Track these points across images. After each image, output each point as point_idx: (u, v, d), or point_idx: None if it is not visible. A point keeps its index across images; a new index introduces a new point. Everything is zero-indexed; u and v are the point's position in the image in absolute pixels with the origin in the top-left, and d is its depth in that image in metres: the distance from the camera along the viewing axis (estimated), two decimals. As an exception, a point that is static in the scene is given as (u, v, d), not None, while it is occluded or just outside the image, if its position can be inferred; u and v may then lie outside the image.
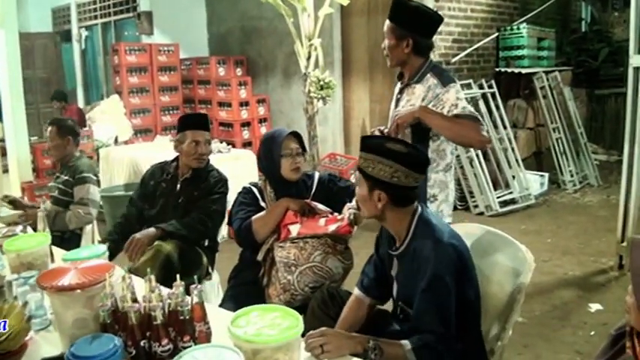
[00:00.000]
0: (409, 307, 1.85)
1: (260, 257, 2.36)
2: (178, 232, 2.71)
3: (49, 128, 3.52)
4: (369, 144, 1.86)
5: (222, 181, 2.96)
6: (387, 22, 2.48)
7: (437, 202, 2.46)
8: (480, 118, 2.36)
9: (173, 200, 2.94)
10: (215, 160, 3.69)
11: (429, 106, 2.36)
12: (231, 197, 2.83)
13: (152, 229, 2.70)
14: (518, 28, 6.76)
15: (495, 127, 6.19)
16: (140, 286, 1.66)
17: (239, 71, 7.73)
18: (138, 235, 2.66)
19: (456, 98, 2.33)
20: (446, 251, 1.76)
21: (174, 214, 2.86)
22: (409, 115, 2.33)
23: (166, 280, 1.64)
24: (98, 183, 3.49)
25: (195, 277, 1.71)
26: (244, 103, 7.38)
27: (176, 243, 2.66)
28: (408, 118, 2.33)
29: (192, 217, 2.80)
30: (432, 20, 2.48)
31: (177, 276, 1.56)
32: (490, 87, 6.34)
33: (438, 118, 2.30)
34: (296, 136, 2.51)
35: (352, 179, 6.24)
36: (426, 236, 1.80)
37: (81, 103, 9.56)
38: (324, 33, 6.17)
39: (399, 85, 2.60)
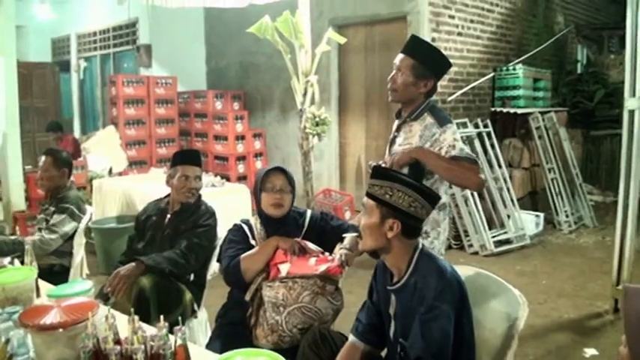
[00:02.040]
0: None
1: (248, 297, 2.33)
2: (159, 266, 2.68)
3: (43, 158, 3.49)
4: (386, 172, 1.88)
5: (209, 214, 2.97)
6: (404, 56, 2.47)
7: (429, 239, 2.46)
8: (478, 160, 2.38)
9: (160, 233, 2.95)
10: (208, 194, 3.69)
11: (426, 145, 2.38)
12: (222, 233, 2.82)
13: (133, 264, 2.65)
14: (514, 69, 6.86)
15: (490, 166, 6.22)
16: (123, 323, 1.62)
17: (236, 105, 7.79)
18: (122, 270, 2.62)
19: (453, 139, 2.36)
20: (450, 283, 1.77)
21: (161, 248, 2.85)
22: (405, 155, 2.34)
23: (139, 315, 1.60)
24: (79, 219, 3.42)
25: (180, 317, 1.67)
26: (240, 137, 7.42)
27: (153, 277, 2.62)
28: (404, 158, 2.34)
29: (173, 251, 2.78)
30: (447, 63, 2.52)
31: (162, 317, 1.53)
32: (486, 126, 6.40)
33: (436, 159, 2.32)
34: (283, 172, 2.51)
35: (347, 216, 6.24)
36: (429, 269, 1.81)
37: (77, 133, 9.59)
38: (322, 70, 6.24)
39: (396, 123, 2.62)
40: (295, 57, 5.49)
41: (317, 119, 5.42)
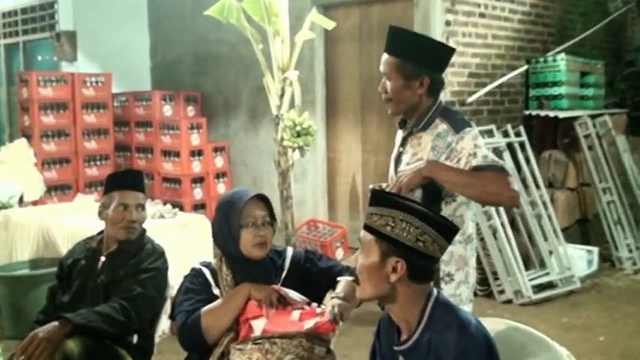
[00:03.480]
0: None
1: (211, 364, 2.34)
2: (90, 325, 2.67)
3: None
4: (386, 198, 1.92)
5: (157, 254, 2.99)
6: (387, 57, 2.57)
7: (454, 284, 2.49)
8: (506, 167, 2.42)
9: (92, 282, 2.94)
10: (155, 228, 3.70)
11: (441, 159, 2.43)
12: (175, 280, 2.82)
13: (56, 323, 2.63)
14: (554, 60, 6.96)
15: (526, 187, 6.26)
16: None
17: (191, 110, 7.82)
18: (41, 332, 2.59)
19: (473, 146, 2.41)
20: (475, 340, 1.79)
21: (93, 301, 2.85)
22: (415, 174, 2.37)
23: None
24: None
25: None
26: (197, 153, 7.43)
27: (83, 340, 2.61)
28: (414, 178, 2.36)
29: (109, 304, 2.78)
30: (445, 50, 2.63)
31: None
32: (518, 135, 6.47)
33: (453, 174, 2.36)
34: (263, 200, 2.54)
35: (339, 255, 6.25)
36: (447, 322, 1.84)
37: (-26, 150, 9.54)
38: (303, 64, 6.30)
39: (400, 134, 2.67)
40: (269, 47, 5.54)
41: (298, 128, 5.47)
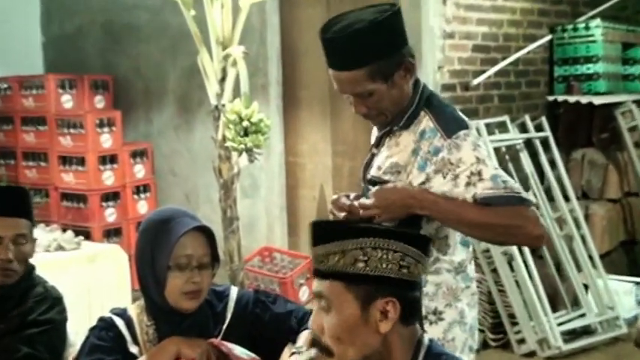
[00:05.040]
0: None
1: None
2: None
3: None
4: (340, 226, 1.94)
5: (50, 301, 2.99)
6: (347, 74, 2.50)
7: (443, 324, 2.53)
8: (527, 195, 2.43)
9: None
10: (50, 265, 3.68)
11: (429, 170, 2.45)
12: (77, 335, 2.80)
13: None
14: (586, 28, 7.03)
15: (550, 199, 6.31)
16: None
17: (99, 101, 7.75)
18: None
19: (475, 159, 2.42)
20: None
21: None
22: (399, 206, 2.41)
23: None
24: None
25: None
26: (108, 159, 7.36)
27: None
28: (396, 212, 2.41)
29: None
30: (393, 15, 2.51)
31: None
32: (539, 128, 6.54)
33: (456, 210, 2.39)
34: (204, 232, 2.52)
35: (302, 295, 6.24)
36: None
37: None
38: (252, 35, 6.30)
39: (375, 134, 2.68)
40: (204, 14, 5.53)
41: (245, 123, 5.46)
